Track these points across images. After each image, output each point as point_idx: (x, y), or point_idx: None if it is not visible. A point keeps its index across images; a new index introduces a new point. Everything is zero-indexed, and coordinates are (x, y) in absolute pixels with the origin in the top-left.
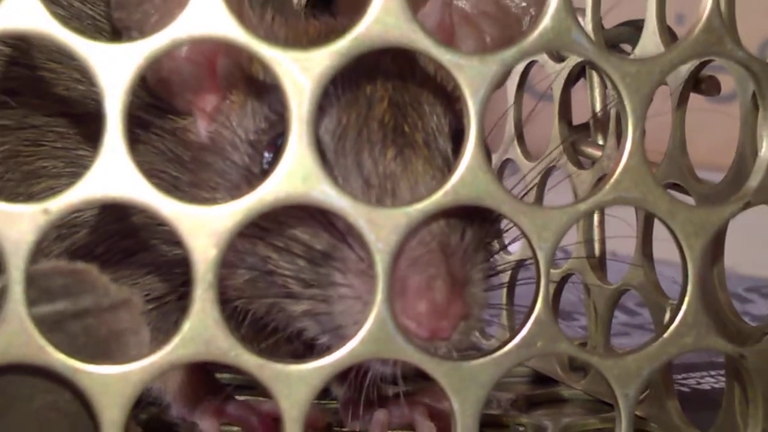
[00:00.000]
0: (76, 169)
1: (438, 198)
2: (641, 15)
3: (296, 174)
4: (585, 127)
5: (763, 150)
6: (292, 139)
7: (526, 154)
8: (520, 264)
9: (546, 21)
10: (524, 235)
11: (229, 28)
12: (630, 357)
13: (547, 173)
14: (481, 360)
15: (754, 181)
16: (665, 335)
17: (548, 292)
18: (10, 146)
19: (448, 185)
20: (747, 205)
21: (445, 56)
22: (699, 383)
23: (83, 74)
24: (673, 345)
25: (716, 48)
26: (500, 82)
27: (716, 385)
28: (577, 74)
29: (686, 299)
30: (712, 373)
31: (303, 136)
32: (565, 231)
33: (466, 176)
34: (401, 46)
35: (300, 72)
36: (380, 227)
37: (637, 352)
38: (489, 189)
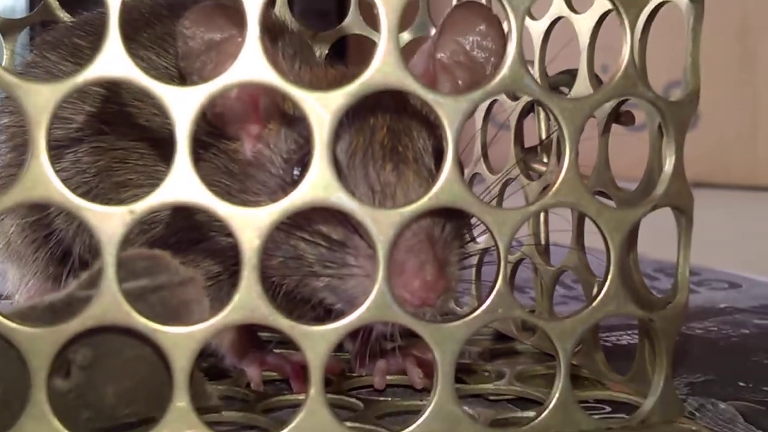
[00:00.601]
0: (154, 181)
1: (424, 202)
2: (576, 65)
3: (318, 184)
4: (534, 149)
5: (666, 166)
6: (315, 158)
7: (490, 169)
8: (485, 251)
9: (504, 70)
10: (488, 229)
11: (268, 75)
12: (567, 320)
13: (505, 184)
14: (456, 322)
15: (659, 189)
16: (593, 304)
17: (506, 271)
18: (103, 163)
19: (432, 192)
20: (654, 207)
21: (428, 96)
22: (618, 340)
23: (159, 110)
24: (599, 311)
25: (631, 90)
26: (470, 115)
27: (631, 342)
28: (528, 109)
29: (609, 277)
30: (629, 332)
31: (324, 156)
32: (520, 226)
33: (444, 186)
34: (396, 88)
35: (321, 108)
36: (380, 223)
37: (572, 317)
38: (462, 195)
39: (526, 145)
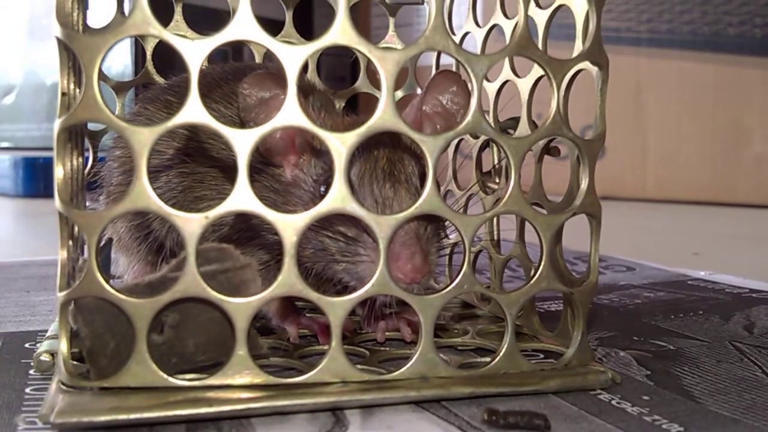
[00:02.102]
0: (222, 195)
1: (412, 210)
2: (518, 114)
3: (338, 198)
4: (489, 173)
5: (582, 185)
6: (336, 179)
7: (458, 186)
8: (455, 245)
9: (469, 117)
10: (457, 229)
11: (302, 121)
12: (513, 293)
13: (469, 197)
14: (434, 294)
15: (578, 201)
16: (531, 282)
17: (470, 259)
18: (186, 183)
19: (417, 203)
20: (574, 214)
21: (415, 135)
22: (549, 307)
23: (226, 146)
24: (535, 287)
25: (558, 131)
26: (445, 149)
27: (558, 308)
28: (485, 144)
29: (542, 263)
30: (556, 302)
31: (341, 178)
32: (479, 227)
33: (426, 199)
34: (392, 130)
35: (339, 144)
36: (381, 225)
37: (516, 291)
38: (439, 205)
39: (484, 169)
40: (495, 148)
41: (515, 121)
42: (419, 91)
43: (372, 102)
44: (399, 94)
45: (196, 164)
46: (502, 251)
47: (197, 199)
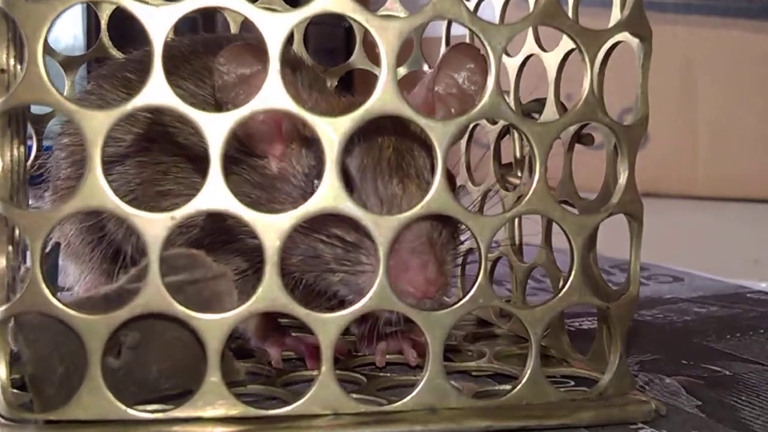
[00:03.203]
0: (191, 191)
1: (417, 210)
2: (545, 95)
3: (329, 195)
4: (509, 165)
5: (621, 179)
6: (327, 173)
7: (473, 182)
8: (469, 251)
9: (485, 99)
10: (471, 232)
11: (286, 103)
12: (537, 309)
13: (485, 195)
14: (444, 310)
15: (615, 199)
16: (559, 295)
17: (486, 268)
18: (146, 174)
19: (424, 201)
20: (611, 214)
21: (421, 120)
22: (581, 325)
23: (197, 131)
24: (564, 301)
25: (591, 116)
26: (458, 138)
27: (591, 326)
28: (505, 131)
29: (573, 272)
30: (589, 318)
31: (333, 171)
32: (497, 230)
33: (435, 196)
34: (394, 114)
35: (331, 131)
36: (381, 228)
37: (542, 306)
38: (450, 204)
39: (503, 161)
40: (517, 136)
41: (540, 103)
42: (426, 68)
43: (370, 80)
44: (402, 71)
45: (159, 152)
46: (524, 258)
47: (160, 195)
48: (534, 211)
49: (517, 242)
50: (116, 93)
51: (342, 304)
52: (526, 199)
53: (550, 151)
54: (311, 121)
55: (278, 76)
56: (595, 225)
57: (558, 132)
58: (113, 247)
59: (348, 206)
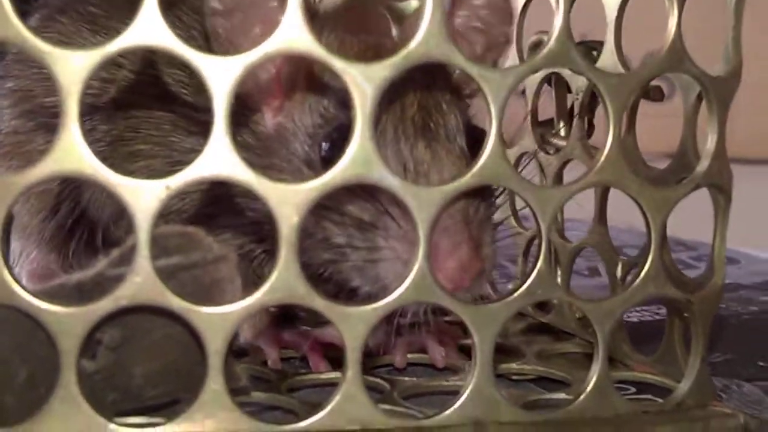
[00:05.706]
0: (169, 152)
1: (467, 179)
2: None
3: (359, 160)
4: (550, 122)
5: (708, 144)
6: (357, 133)
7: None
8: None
9: (551, 44)
10: (530, 208)
11: (310, 46)
12: (606, 302)
13: (519, 159)
14: (497, 303)
15: (701, 167)
16: (634, 285)
17: (549, 252)
18: (116, 132)
19: (475, 168)
20: (697, 187)
21: (473, 70)
22: (629, 317)
23: (183, 78)
24: (640, 293)
25: (677, 65)
26: (514, 90)
27: (641, 318)
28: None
29: (650, 257)
30: (637, 309)
31: (366, 131)
32: (562, 205)
33: (487, 162)
34: (441, 62)
35: (364, 81)
36: (422, 201)
37: (612, 299)
38: (506, 173)
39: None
40: (557, 87)
41: (589, 48)
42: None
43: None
44: (414, 3)
45: (130, 105)
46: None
47: (130, 157)
48: (605, 182)
49: (559, 218)
50: (78, 30)
51: (352, 297)
52: (597, 167)
53: (625, 108)
54: (339, 67)
55: (299, 9)
56: (677, 200)
57: (638, 85)
58: (72, 218)
59: (382, 174)
